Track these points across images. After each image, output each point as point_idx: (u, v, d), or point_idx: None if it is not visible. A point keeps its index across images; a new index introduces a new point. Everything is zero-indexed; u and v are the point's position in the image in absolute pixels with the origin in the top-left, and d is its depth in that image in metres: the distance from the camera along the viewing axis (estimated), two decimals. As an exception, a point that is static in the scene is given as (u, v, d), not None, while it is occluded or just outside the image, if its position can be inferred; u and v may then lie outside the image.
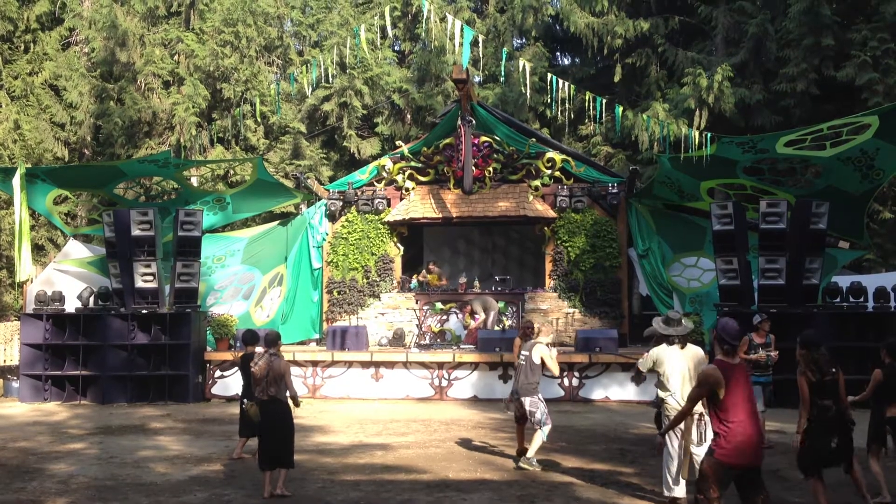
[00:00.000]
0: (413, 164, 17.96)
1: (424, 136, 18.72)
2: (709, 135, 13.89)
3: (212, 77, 24.01)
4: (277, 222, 18.98)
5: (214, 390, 15.11)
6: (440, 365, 14.72)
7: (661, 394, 7.37)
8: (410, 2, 26.43)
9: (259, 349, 8.27)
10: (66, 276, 16.51)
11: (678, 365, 7.24)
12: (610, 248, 17.18)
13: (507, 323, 16.55)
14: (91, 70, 24.93)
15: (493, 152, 17.55)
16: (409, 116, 26.03)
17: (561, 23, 24.58)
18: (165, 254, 15.63)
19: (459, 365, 14.67)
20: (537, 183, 17.43)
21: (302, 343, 17.38)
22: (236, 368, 14.78)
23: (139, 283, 14.88)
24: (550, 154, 17.51)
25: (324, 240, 18.15)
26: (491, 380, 14.54)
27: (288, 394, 7.80)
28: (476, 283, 17.75)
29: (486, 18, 26.37)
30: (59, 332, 15.09)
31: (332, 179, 22.64)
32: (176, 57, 24.90)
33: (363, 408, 13.74)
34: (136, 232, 14.81)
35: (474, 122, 16.51)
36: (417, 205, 17.68)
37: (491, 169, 17.53)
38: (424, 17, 20.51)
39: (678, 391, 7.14)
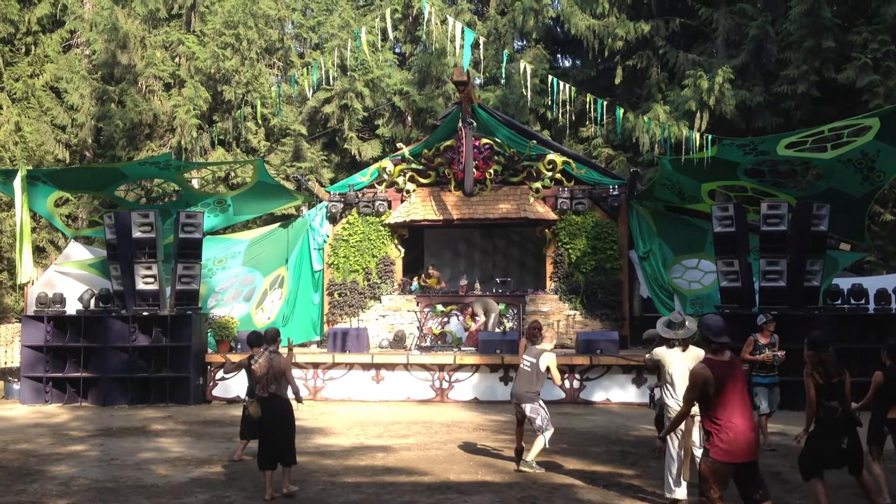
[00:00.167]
0: (414, 166, 17.98)
1: (425, 139, 18.74)
2: (710, 137, 13.90)
3: (213, 79, 24.02)
4: (278, 224, 18.99)
5: (215, 392, 15.11)
6: (441, 367, 14.72)
7: (667, 400, 7.38)
8: (411, 4, 26.45)
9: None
10: (67, 278, 16.52)
11: (679, 367, 7.25)
12: (611, 251, 17.19)
13: (508, 325, 16.55)
14: (92, 72, 24.94)
15: (494, 154, 17.56)
16: (409, 118, 26.04)
17: (562, 25, 24.60)
18: (166, 256, 15.63)
19: (460, 367, 14.66)
20: (538, 185, 17.44)
21: (303, 345, 17.38)
22: (230, 370, 14.82)
23: (140, 285, 14.88)
24: (551, 156, 17.52)
25: (325, 242, 18.17)
26: (492, 382, 14.53)
27: (290, 391, 7.82)
28: (477, 285, 17.76)
29: (486, 21, 26.39)
30: (60, 334, 15.09)
31: (332, 181, 22.65)
32: (177, 59, 24.91)
33: (364, 410, 13.73)
34: (136, 234, 14.82)
35: (475, 124, 16.54)
36: (418, 207, 17.69)
37: (492, 171, 17.54)
38: (425, 19, 20.53)
39: (679, 393, 7.14)
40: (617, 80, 23.40)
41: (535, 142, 17.66)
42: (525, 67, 15.32)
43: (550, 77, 15.67)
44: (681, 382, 7.16)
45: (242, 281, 17.83)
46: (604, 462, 9.34)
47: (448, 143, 17.62)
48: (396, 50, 28.25)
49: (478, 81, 24.59)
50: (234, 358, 14.88)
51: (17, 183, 14.97)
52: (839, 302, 13.93)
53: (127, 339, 14.83)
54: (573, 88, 16.10)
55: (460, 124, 16.47)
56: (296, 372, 13.85)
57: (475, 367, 14.65)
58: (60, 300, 15.23)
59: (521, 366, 9.01)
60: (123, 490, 8.00)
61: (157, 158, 17.07)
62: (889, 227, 18.51)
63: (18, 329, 17.29)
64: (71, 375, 14.91)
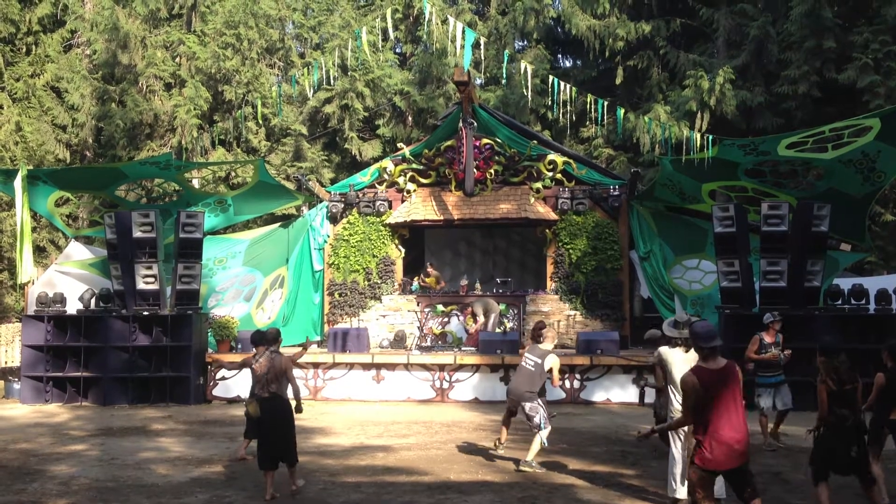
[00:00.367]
0: (414, 166, 17.97)
1: (426, 139, 18.74)
2: (710, 137, 13.89)
3: (213, 79, 24.02)
4: (279, 224, 18.99)
5: (216, 392, 15.11)
6: (441, 367, 14.72)
7: (672, 399, 7.38)
8: (412, 4, 26.45)
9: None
10: (68, 278, 16.52)
11: (681, 367, 7.23)
12: (611, 251, 17.18)
13: (509, 325, 16.55)
14: (93, 72, 24.95)
15: (495, 154, 17.56)
16: (410, 118, 26.04)
17: (562, 25, 24.59)
18: (167, 255, 15.62)
19: (460, 367, 14.66)
20: (539, 185, 17.44)
21: (301, 346, 17.32)
22: (239, 370, 14.83)
23: (140, 285, 14.88)
24: (552, 156, 17.52)
25: (325, 242, 18.17)
26: (492, 382, 14.52)
27: (291, 394, 7.83)
28: (477, 285, 17.77)
29: (487, 21, 26.38)
30: (61, 334, 15.09)
31: (333, 181, 22.65)
32: (177, 59, 24.91)
33: (364, 410, 13.73)
34: (137, 234, 14.82)
35: (476, 124, 16.53)
36: (419, 207, 17.69)
37: (492, 171, 17.54)
38: (426, 19, 20.51)
39: (680, 393, 7.13)
40: (618, 81, 23.39)
41: (535, 142, 17.66)
42: (526, 67, 15.31)
43: (551, 77, 15.67)
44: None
45: (243, 281, 17.83)
46: (604, 462, 9.34)
47: (449, 143, 17.62)
48: (397, 50, 28.25)
49: (478, 81, 24.58)
50: (230, 357, 14.98)
51: (18, 183, 14.97)
52: (840, 302, 13.91)
53: (127, 339, 14.83)
54: (574, 89, 16.10)
55: (461, 124, 16.47)
56: (296, 372, 13.83)
57: (475, 368, 14.65)
58: (61, 300, 15.23)
59: (524, 364, 9.01)
60: (123, 489, 8.01)
61: (158, 158, 17.07)
62: (890, 227, 18.50)
63: (19, 329, 17.30)
64: (71, 375, 14.91)
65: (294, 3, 26.40)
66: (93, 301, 15.23)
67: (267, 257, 18.11)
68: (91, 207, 23.82)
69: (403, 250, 18.27)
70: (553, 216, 17.34)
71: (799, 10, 18.83)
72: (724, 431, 5.45)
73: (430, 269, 18.33)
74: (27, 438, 11.07)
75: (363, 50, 21.31)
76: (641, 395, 10.07)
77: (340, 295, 17.88)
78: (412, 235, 18.67)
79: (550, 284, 17.50)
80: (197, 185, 21.38)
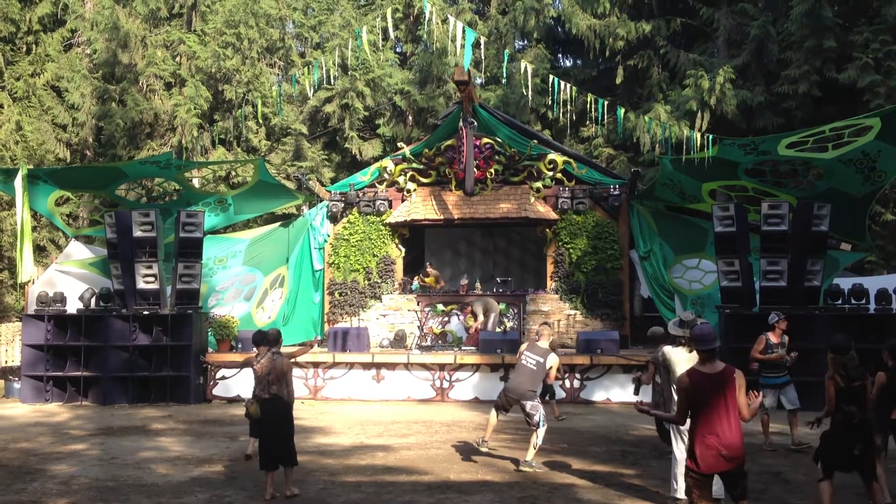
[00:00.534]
0: (415, 165, 17.97)
1: (426, 138, 18.73)
2: (710, 136, 13.88)
3: (213, 78, 24.02)
4: (279, 224, 18.99)
5: (215, 391, 15.11)
6: (441, 366, 14.72)
7: (676, 397, 7.37)
8: (412, 3, 26.44)
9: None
10: (68, 277, 16.53)
11: (684, 366, 7.23)
12: (611, 250, 17.18)
13: (509, 325, 16.54)
14: (93, 71, 24.95)
15: (495, 154, 17.56)
16: (410, 118, 26.04)
17: (563, 25, 24.59)
18: (167, 255, 15.63)
19: (461, 366, 14.66)
20: (539, 185, 17.43)
21: (303, 344, 17.35)
22: (239, 369, 14.82)
23: (140, 285, 14.88)
24: (552, 156, 17.52)
25: (325, 241, 18.17)
26: (492, 381, 14.51)
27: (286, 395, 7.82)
28: (477, 284, 17.76)
29: (487, 20, 26.38)
30: (61, 333, 15.09)
31: (333, 181, 22.65)
32: (178, 58, 24.91)
33: (364, 409, 13.73)
34: (137, 233, 14.82)
35: (476, 123, 16.53)
36: (419, 206, 17.69)
37: (492, 170, 17.54)
38: (426, 18, 20.49)
39: None
40: (618, 80, 23.39)
41: (535, 141, 17.65)
42: (526, 67, 15.31)
43: (551, 77, 15.67)
44: None
45: (243, 280, 17.83)
46: (604, 462, 9.34)
47: (449, 142, 17.62)
48: (397, 49, 28.26)
49: (479, 81, 24.56)
50: (222, 357, 15.00)
51: (18, 182, 14.97)
52: (840, 302, 13.91)
53: (127, 339, 14.83)
54: (574, 88, 16.09)
55: (461, 124, 16.46)
56: (296, 371, 13.88)
57: (476, 367, 14.65)
58: (61, 299, 15.24)
59: (524, 363, 8.99)
60: (123, 489, 8.01)
61: (158, 157, 17.07)
62: (890, 227, 18.50)
63: (19, 328, 17.30)
64: (71, 374, 14.91)
65: (294, 2, 26.40)
66: (93, 300, 15.23)
67: (267, 257, 18.11)
68: (91, 207, 23.82)
69: (403, 250, 18.27)
70: (553, 216, 17.33)
71: (799, 10, 18.82)
72: (711, 436, 5.46)
73: (429, 269, 18.33)
74: (27, 438, 11.07)
75: (363, 49, 21.32)
76: (636, 389, 10.03)
77: (340, 294, 17.89)
78: (412, 235, 18.67)
79: (550, 284, 17.50)
80: (197, 185, 21.37)
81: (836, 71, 18.81)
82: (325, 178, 23.73)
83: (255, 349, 8.45)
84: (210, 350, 15.40)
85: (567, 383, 14.23)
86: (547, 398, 12.49)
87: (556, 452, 9.81)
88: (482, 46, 21.17)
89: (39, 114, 24.77)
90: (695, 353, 7.29)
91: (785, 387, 10.14)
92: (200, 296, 15.68)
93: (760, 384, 10.11)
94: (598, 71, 24.99)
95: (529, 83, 15.32)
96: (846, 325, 13.50)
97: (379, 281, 17.83)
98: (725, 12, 21.37)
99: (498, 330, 16.08)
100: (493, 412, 9.27)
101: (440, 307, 17.24)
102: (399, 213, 17.78)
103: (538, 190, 17.43)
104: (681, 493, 7.18)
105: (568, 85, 15.57)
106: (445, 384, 14.70)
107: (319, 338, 17.75)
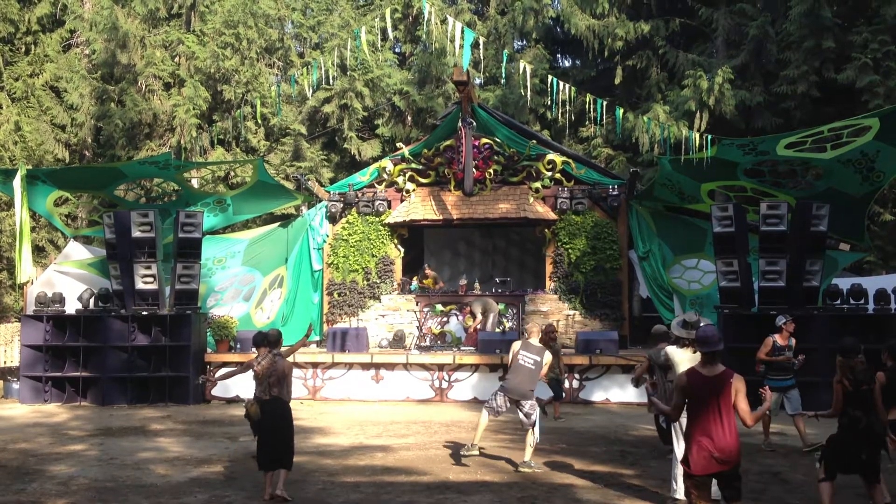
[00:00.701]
0: (414, 165, 17.97)
1: (425, 138, 18.73)
2: (709, 137, 13.88)
3: (212, 79, 24.00)
4: (278, 224, 18.97)
5: (215, 392, 15.10)
6: (440, 367, 14.72)
7: None
8: (411, 4, 26.44)
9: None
10: (67, 278, 16.51)
11: (687, 367, 7.24)
12: (610, 250, 17.18)
13: (508, 325, 16.54)
14: (92, 72, 24.92)
15: (494, 154, 17.56)
16: (409, 118, 26.03)
17: (562, 25, 24.60)
18: (166, 255, 15.62)
19: (460, 367, 14.67)
20: (538, 185, 17.43)
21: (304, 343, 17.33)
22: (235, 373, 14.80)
23: (139, 285, 14.87)
24: (551, 156, 17.52)
25: (324, 241, 18.16)
26: (491, 382, 14.46)
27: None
28: (476, 284, 17.76)
29: (486, 20, 26.38)
30: (60, 334, 15.09)
31: (332, 181, 22.63)
32: (177, 59, 24.89)
33: (363, 409, 13.73)
34: (136, 233, 14.81)
35: (475, 123, 16.53)
36: (418, 206, 17.68)
37: (491, 171, 17.54)
38: (425, 19, 20.53)
39: None
40: (617, 80, 23.40)
41: (534, 142, 17.66)
42: (525, 67, 15.31)
43: (550, 77, 15.66)
44: None
45: (242, 280, 17.82)
46: (603, 462, 9.35)
47: (448, 142, 17.61)
48: (396, 49, 28.25)
49: (478, 81, 24.57)
50: (228, 358, 15.01)
51: (17, 182, 14.96)
52: (838, 302, 13.91)
53: (126, 339, 14.82)
54: (573, 88, 16.09)
55: (460, 124, 16.46)
56: (295, 372, 13.86)
57: (475, 367, 14.65)
58: (60, 300, 15.23)
59: (522, 363, 8.96)
60: (122, 489, 8.00)
61: (157, 158, 17.07)
62: (889, 227, 18.51)
63: (18, 328, 17.28)
64: (70, 375, 14.90)
65: (293, 2, 26.38)
66: (92, 301, 15.22)
67: (266, 257, 18.11)
68: (90, 207, 23.79)
69: (402, 250, 18.26)
70: (552, 216, 17.33)
71: (798, 10, 18.83)
72: (704, 438, 5.47)
73: (427, 271, 18.33)
74: (26, 438, 11.06)
75: (362, 49, 21.31)
76: (636, 385, 10.05)
77: (339, 295, 17.88)
78: (411, 235, 18.67)
79: (549, 284, 17.50)
80: (196, 185, 21.35)
81: (835, 71, 18.83)
82: (324, 179, 23.72)
83: (254, 350, 8.43)
84: (209, 350, 15.38)
85: (566, 384, 14.21)
86: (553, 398, 12.54)
87: (556, 453, 9.81)
88: (481, 47, 21.18)
89: (38, 114, 24.75)
90: (698, 354, 7.31)
91: (790, 390, 9.99)
92: (199, 296, 15.67)
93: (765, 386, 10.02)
94: (597, 71, 24.99)
95: (528, 83, 15.30)
96: (845, 325, 13.51)
97: (378, 281, 17.83)
98: (724, 12, 21.39)
99: (497, 330, 16.08)
100: (485, 415, 9.10)
101: (439, 307, 17.24)
102: (398, 214, 17.78)
103: (537, 190, 17.43)
104: (680, 494, 7.18)
105: (567, 85, 15.58)
106: (444, 384, 14.70)
107: (318, 338, 17.77)
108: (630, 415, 13.03)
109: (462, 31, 14.24)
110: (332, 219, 18.18)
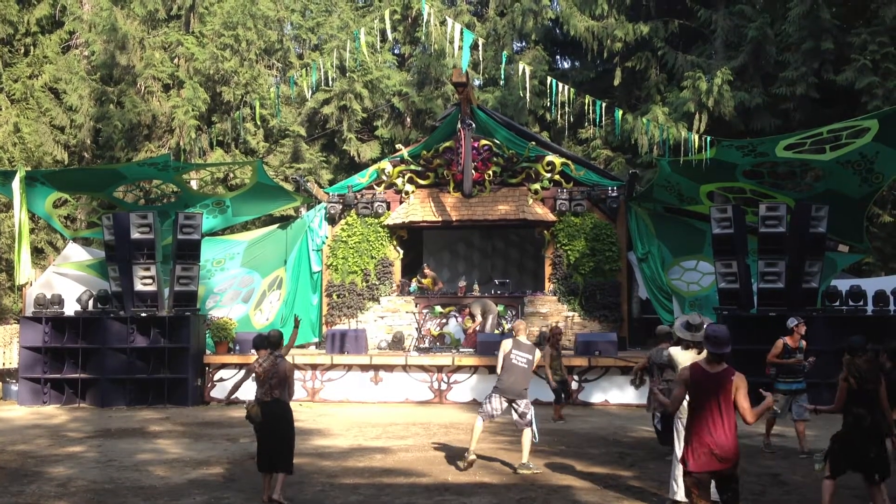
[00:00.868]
0: (413, 167, 17.97)
1: (424, 140, 18.74)
2: (708, 138, 13.89)
3: (211, 80, 24.01)
4: (277, 225, 18.98)
5: (213, 393, 15.10)
6: (439, 368, 14.72)
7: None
8: (410, 5, 26.45)
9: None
10: (66, 280, 16.51)
11: None
12: (609, 252, 17.18)
13: (507, 326, 16.53)
14: (91, 73, 24.93)
15: (493, 156, 17.56)
16: (408, 120, 26.05)
17: (561, 26, 24.61)
18: (165, 257, 15.62)
19: (459, 368, 14.66)
20: (537, 186, 17.44)
21: (301, 346, 17.35)
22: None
23: (138, 287, 14.86)
24: (550, 157, 17.52)
25: (323, 243, 18.16)
26: (490, 383, 14.31)
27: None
28: (475, 286, 17.77)
29: (485, 22, 26.40)
30: (59, 335, 15.08)
31: (331, 183, 22.66)
32: (176, 60, 24.91)
33: (362, 411, 13.72)
34: (135, 235, 14.80)
35: (474, 125, 16.55)
36: (417, 208, 17.68)
37: (490, 172, 17.54)
38: (424, 20, 20.53)
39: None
40: (616, 82, 23.41)
41: (533, 143, 17.66)
42: (524, 69, 15.32)
43: (549, 78, 15.67)
44: None
45: (241, 282, 17.82)
46: (602, 463, 9.34)
47: (447, 144, 17.61)
48: (395, 51, 28.27)
49: (477, 83, 24.59)
50: (228, 359, 15.01)
51: (16, 184, 14.96)
52: (837, 303, 13.92)
53: (125, 341, 14.81)
54: (572, 90, 16.10)
55: (459, 125, 16.46)
56: (294, 373, 13.86)
57: (474, 369, 14.64)
58: (59, 301, 15.23)
59: (515, 363, 8.89)
60: (121, 491, 7.99)
61: (156, 159, 17.06)
62: (888, 228, 18.52)
63: (17, 330, 17.26)
64: (69, 376, 14.90)
65: (292, 4, 26.39)
66: (91, 302, 15.21)
67: (265, 258, 18.10)
68: (89, 209, 23.77)
69: (402, 251, 18.26)
70: (551, 217, 17.34)
71: (797, 12, 18.83)
72: (705, 435, 5.48)
73: (426, 271, 18.33)
74: (25, 440, 11.05)
75: (361, 51, 21.31)
76: (636, 386, 10.06)
77: (339, 296, 17.88)
78: (410, 237, 18.67)
79: (549, 285, 17.50)
80: (195, 187, 21.36)
81: (834, 73, 18.83)
82: (324, 180, 23.73)
83: (253, 352, 8.39)
84: (208, 352, 15.38)
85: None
86: (556, 400, 12.53)
87: (555, 454, 9.81)
88: (480, 48, 21.16)
89: (37, 115, 24.76)
90: (702, 355, 7.30)
91: (799, 394, 9.87)
92: (198, 298, 15.66)
93: (776, 389, 9.97)
94: (596, 72, 25.00)
95: (527, 85, 15.34)
96: (843, 326, 13.50)
97: (377, 283, 17.83)
98: (723, 14, 21.40)
99: (496, 332, 16.08)
100: (479, 422, 8.98)
101: (438, 309, 17.24)
102: (397, 215, 17.78)
103: (536, 191, 17.43)
104: (680, 496, 7.18)
105: (566, 86, 15.58)
106: (443, 386, 14.70)
107: (317, 339, 17.77)
108: (629, 416, 13.03)
109: (461, 33, 14.24)
110: (332, 220, 18.18)
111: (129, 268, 14.86)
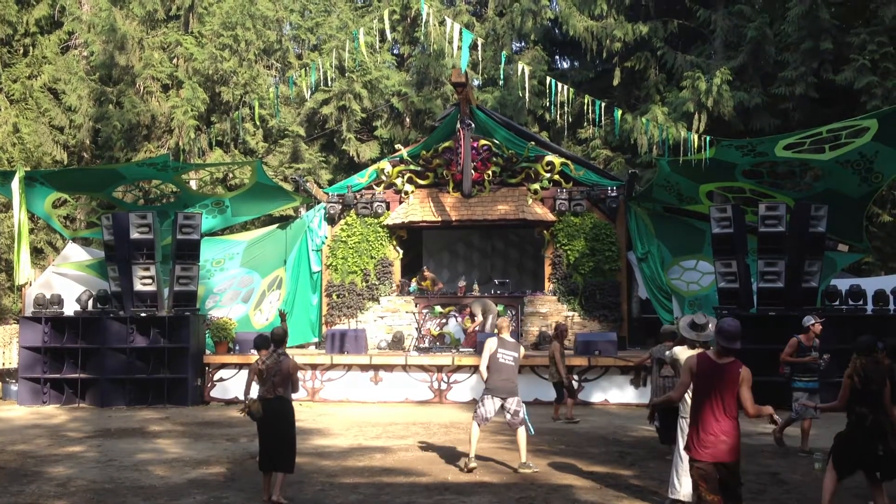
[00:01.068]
0: (412, 167, 17.97)
1: (423, 140, 18.74)
2: (708, 138, 13.90)
3: (211, 80, 24.01)
4: (276, 226, 18.98)
5: (213, 393, 15.10)
6: (439, 368, 14.71)
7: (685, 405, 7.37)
8: (409, 5, 26.45)
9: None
10: (65, 280, 16.50)
11: None
12: (609, 252, 17.19)
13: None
14: (90, 73, 24.92)
15: (493, 156, 17.56)
16: (408, 120, 26.04)
17: (560, 26, 24.62)
18: (164, 257, 15.62)
19: (458, 368, 14.66)
20: (536, 186, 17.44)
21: (301, 346, 17.36)
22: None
23: (138, 287, 14.86)
24: (549, 157, 17.52)
25: (323, 243, 18.16)
26: (490, 383, 14.49)
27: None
28: (475, 286, 17.76)
29: (485, 22, 26.40)
30: (58, 336, 15.07)
31: (331, 183, 22.66)
32: (175, 60, 24.90)
33: (362, 411, 13.72)
34: (134, 235, 14.80)
35: (473, 125, 16.55)
36: (416, 208, 17.68)
37: (490, 172, 17.54)
38: (423, 20, 20.53)
39: (692, 394, 7.14)
40: (615, 82, 23.42)
41: (533, 143, 17.66)
42: (523, 69, 15.33)
43: (549, 78, 15.67)
44: None
45: (241, 282, 17.82)
46: (602, 463, 9.34)
47: (446, 144, 17.61)
48: (395, 51, 28.27)
49: (476, 83, 24.59)
50: (227, 359, 15.01)
51: (15, 184, 14.96)
52: (837, 303, 13.93)
53: (125, 341, 14.81)
54: (571, 90, 16.11)
55: (458, 125, 16.46)
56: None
57: (473, 369, 14.60)
58: (58, 301, 15.22)
59: (504, 362, 8.80)
60: (121, 491, 7.99)
61: (155, 160, 17.06)
62: (887, 228, 18.53)
63: (16, 330, 17.26)
64: (69, 376, 14.89)
65: (291, 4, 26.38)
66: (90, 302, 15.20)
67: (265, 259, 18.10)
68: (88, 209, 23.77)
69: (401, 251, 18.27)
70: (551, 217, 17.34)
71: (796, 12, 18.85)
72: (710, 424, 5.55)
73: (425, 273, 18.32)
74: (25, 440, 11.05)
75: (361, 51, 21.30)
76: (636, 386, 10.07)
77: (338, 296, 17.88)
78: (410, 237, 18.67)
79: (548, 285, 17.50)
80: (194, 187, 21.36)
81: (833, 72, 18.84)
82: (323, 180, 23.73)
83: (253, 352, 8.35)
84: (208, 352, 15.37)
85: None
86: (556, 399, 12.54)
87: (555, 453, 9.81)
88: (479, 48, 21.16)
89: (36, 116, 24.74)
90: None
91: (814, 394, 9.83)
92: (198, 298, 15.66)
93: (794, 388, 9.94)
94: (596, 72, 25.01)
95: (527, 85, 15.35)
96: (843, 326, 13.53)
97: (377, 283, 17.83)
98: (722, 14, 21.41)
99: (496, 331, 16.03)
100: (475, 428, 8.88)
101: (438, 309, 17.24)
102: (397, 215, 17.78)
103: (536, 191, 17.44)
104: (679, 495, 7.17)
105: (565, 86, 15.59)
106: (443, 386, 14.70)
107: (317, 339, 17.76)
108: (629, 416, 13.03)
109: (460, 33, 14.24)
110: (331, 220, 18.18)
111: (129, 268, 14.85)
